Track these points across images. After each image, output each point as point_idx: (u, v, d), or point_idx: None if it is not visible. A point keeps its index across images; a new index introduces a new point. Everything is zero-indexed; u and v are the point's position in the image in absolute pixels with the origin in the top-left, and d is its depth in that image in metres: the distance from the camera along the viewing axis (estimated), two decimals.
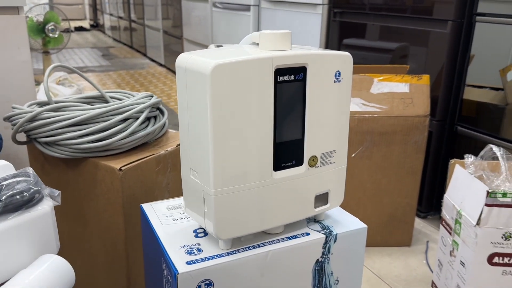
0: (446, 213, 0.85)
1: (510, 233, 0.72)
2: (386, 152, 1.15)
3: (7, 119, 0.83)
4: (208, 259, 0.56)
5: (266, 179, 0.57)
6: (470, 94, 1.28)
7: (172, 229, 0.63)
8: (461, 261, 0.79)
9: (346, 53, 0.60)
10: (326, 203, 0.64)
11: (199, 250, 0.58)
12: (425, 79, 1.18)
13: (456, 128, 1.32)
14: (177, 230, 0.63)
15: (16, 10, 1.19)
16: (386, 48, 1.49)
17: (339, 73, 0.59)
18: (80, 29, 6.84)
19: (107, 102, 0.93)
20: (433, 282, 0.94)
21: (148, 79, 3.47)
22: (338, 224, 0.65)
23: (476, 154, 0.85)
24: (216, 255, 0.57)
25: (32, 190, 0.47)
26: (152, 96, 0.91)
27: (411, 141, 1.14)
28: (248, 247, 0.59)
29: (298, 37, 1.92)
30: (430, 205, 1.40)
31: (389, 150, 1.15)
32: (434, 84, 1.32)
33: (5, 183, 0.47)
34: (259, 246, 0.59)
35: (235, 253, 0.57)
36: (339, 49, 1.70)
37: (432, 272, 1.01)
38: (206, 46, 2.86)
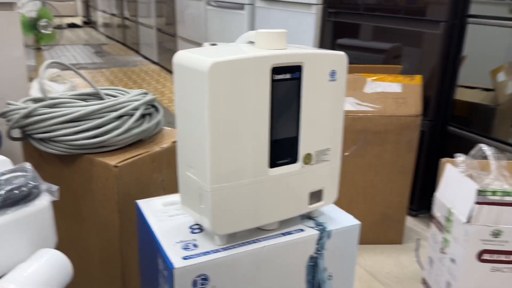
0: (437, 211, 0.87)
1: (499, 230, 0.74)
2: (379, 151, 1.17)
3: (2, 115, 0.83)
4: (204, 254, 0.57)
5: (262, 176, 0.58)
6: (462, 94, 1.30)
7: (168, 225, 0.64)
8: (451, 258, 0.80)
9: (341, 53, 0.61)
10: (320, 200, 0.65)
11: (195, 245, 0.59)
12: (418, 79, 1.19)
13: (447, 128, 1.34)
14: (173, 226, 0.63)
15: (9, 6, 1.18)
16: (379, 48, 1.50)
17: (334, 72, 0.60)
18: (72, 25, 6.80)
19: (101, 99, 0.94)
20: (423, 279, 0.96)
21: (141, 76, 3.47)
22: (332, 221, 0.66)
23: (467, 153, 0.87)
24: (212, 251, 0.58)
25: (30, 185, 0.48)
26: (147, 94, 0.91)
27: (404, 141, 1.16)
28: (243, 243, 0.59)
29: (292, 36, 1.93)
30: (422, 203, 1.41)
31: (381, 149, 1.17)
32: (426, 84, 1.34)
33: (3, 178, 0.48)
34: (254, 242, 0.60)
35: (231, 248, 0.58)
36: (333, 49, 1.71)
37: (422, 269, 1.02)
38: (200, 44, 2.86)
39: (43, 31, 2.70)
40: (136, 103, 0.85)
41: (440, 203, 0.84)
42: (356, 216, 1.25)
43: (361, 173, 1.19)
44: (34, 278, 0.44)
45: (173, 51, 3.49)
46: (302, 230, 0.63)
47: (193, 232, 0.62)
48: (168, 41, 3.60)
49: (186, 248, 0.58)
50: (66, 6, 7.52)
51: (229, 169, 0.55)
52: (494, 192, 0.72)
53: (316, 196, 0.64)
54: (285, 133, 0.58)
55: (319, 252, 0.64)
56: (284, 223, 0.64)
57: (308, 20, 1.80)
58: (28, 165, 0.51)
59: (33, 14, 2.68)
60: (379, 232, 1.25)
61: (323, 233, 0.63)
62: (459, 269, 0.77)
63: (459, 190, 0.78)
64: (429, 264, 0.92)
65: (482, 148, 0.80)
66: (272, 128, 0.57)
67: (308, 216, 0.67)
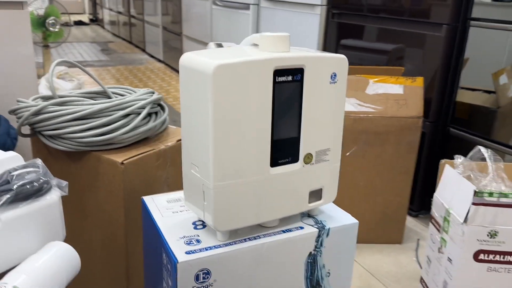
0: (435, 211, 0.88)
1: (495, 231, 0.75)
2: (380, 152, 1.18)
3: (12, 112, 0.85)
4: (207, 250, 0.59)
5: (263, 175, 0.59)
6: (463, 96, 1.31)
7: (172, 221, 0.66)
8: (448, 257, 0.82)
9: (342, 56, 0.62)
10: (320, 199, 0.67)
11: (198, 241, 0.61)
12: (419, 81, 1.21)
13: (448, 130, 1.35)
14: (176, 222, 0.65)
15: (20, 5, 1.21)
16: (382, 49, 1.52)
17: (335, 75, 0.62)
18: (79, 23, 6.84)
19: (109, 97, 0.96)
20: (421, 278, 0.97)
21: (147, 74, 3.49)
22: (331, 219, 0.68)
23: (467, 155, 0.88)
24: (214, 246, 0.60)
25: (41, 180, 0.50)
26: (153, 93, 0.93)
27: (404, 142, 1.18)
28: (245, 239, 0.61)
29: (296, 37, 1.95)
30: (422, 204, 1.43)
31: (382, 149, 1.18)
32: (428, 86, 1.35)
33: (15, 173, 0.50)
34: (255, 239, 0.62)
35: (232, 244, 0.60)
36: (336, 50, 1.73)
37: (421, 268, 1.04)
38: (205, 43, 2.88)
39: (51, 28, 2.73)
40: (142, 102, 0.87)
41: (439, 203, 0.86)
42: (356, 215, 1.27)
43: (361, 173, 1.20)
44: (44, 269, 0.46)
45: (178, 49, 3.51)
46: (301, 227, 0.65)
47: (196, 228, 0.64)
48: (174, 39, 3.62)
49: (189, 243, 0.60)
50: (73, 4, 7.57)
51: (231, 168, 0.57)
52: (491, 194, 0.73)
53: (316, 195, 0.66)
54: (287, 133, 0.60)
55: (317, 250, 0.65)
56: (284, 220, 0.66)
57: (312, 21, 1.82)
58: (39, 161, 0.53)
59: (41, 12, 2.72)
60: (379, 231, 1.27)
61: (322, 231, 0.65)
62: (456, 268, 0.79)
63: (457, 191, 0.80)
64: (427, 263, 0.93)
65: (480, 150, 0.81)
66: (273, 129, 0.59)
67: (308, 214, 0.69)
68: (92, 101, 0.86)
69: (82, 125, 0.81)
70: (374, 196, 1.23)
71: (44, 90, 1.77)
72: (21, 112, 0.83)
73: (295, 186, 0.63)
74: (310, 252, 0.65)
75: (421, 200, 1.42)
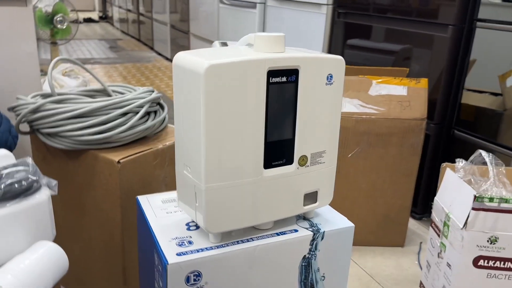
0: (435, 216, 0.87)
1: (495, 237, 0.74)
2: (382, 154, 1.17)
3: (11, 109, 0.86)
4: (198, 252, 0.58)
5: (257, 177, 0.59)
6: (469, 98, 1.29)
7: (165, 221, 0.65)
8: (447, 262, 0.80)
9: (339, 57, 0.61)
10: (315, 202, 0.66)
11: (190, 242, 0.60)
12: (423, 82, 1.19)
13: (453, 132, 1.33)
14: (170, 223, 0.65)
15: (24, 2, 1.21)
16: (388, 50, 1.50)
17: (331, 76, 0.61)
18: (89, 20, 6.88)
19: (109, 95, 0.96)
20: (421, 282, 0.96)
21: (154, 72, 3.50)
22: (326, 222, 0.67)
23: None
24: (206, 248, 0.59)
25: (30, 179, 0.50)
26: (153, 91, 0.93)
27: (407, 144, 1.16)
28: (237, 241, 0.61)
29: (302, 36, 1.94)
30: (426, 207, 1.41)
31: (385, 151, 1.17)
32: (433, 87, 1.33)
33: (5, 171, 0.50)
34: (248, 241, 0.61)
35: (224, 246, 0.60)
36: (342, 49, 1.72)
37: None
38: (212, 42, 2.87)
39: (59, 25, 2.75)
40: (141, 101, 0.86)
41: (439, 207, 0.85)
42: (358, 217, 1.25)
43: (364, 175, 1.19)
44: (31, 269, 0.46)
45: (186, 47, 3.51)
46: (296, 230, 0.64)
47: (189, 229, 0.63)
48: (181, 37, 3.63)
49: (181, 244, 0.60)
50: (83, 1, 7.61)
51: (223, 169, 0.56)
52: (491, 199, 0.72)
53: (311, 197, 0.65)
54: (281, 135, 0.59)
55: (312, 253, 0.65)
56: (279, 223, 0.65)
57: (318, 20, 1.80)
58: (29, 160, 0.53)
59: (50, 9, 2.73)
60: (381, 234, 1.25)
61: (317, 234, 0.64)
62: (455, 274, 0.78)
63: (457, 195, 0.78)
64: (426, 268, 0.92)
65: (481, 154, 0.80)
66: (267, 130, 0.58)
67: (303, 217, 0.68)
68: (91, 99, 0.86)
69: (79, 123, 0.81)
70: (376, 198, 1.21)
71: (48, 87, 1.78)
72: (19, 109, 0.83)
73: (290, 188, 0.62)
74: (305, 256, 0.64)
75: (424, 203, 1.41)
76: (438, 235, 0.84)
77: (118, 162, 0.79)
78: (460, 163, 0.84)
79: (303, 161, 0.62)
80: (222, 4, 2.74)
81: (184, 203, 0.62)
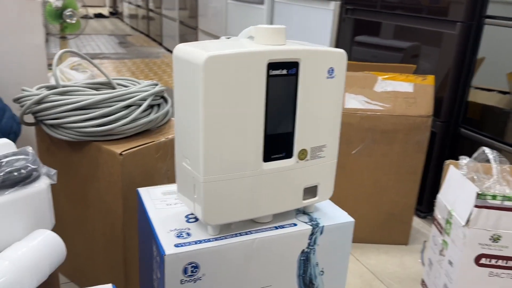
0: (438, 213, 0.86)
1: (498, 235, 0.73)
2: (387, 151, 1.16)
3: (16, 100, 0.86)
4: (196, 243, 0.58)
5: (256, 169, 0.59)
6: (476, 96, 1.27)
7: (164, 213, 0.65)
8: (449, 260, 0.80)
9: (340, 50, 0.61)
10: (315, 196, 0.66)
11: (188, 234, 0.60)
12: (430, 79, 1.18)
13: (459, 130, 1.32)
14: (169, 215, 0.65)
15: None
16: (396, 46, 1.49)
17: (332, 70, 0.60)
18: (99, 16, 6.92)
19: (113, 88, 0.96)
20: (422, 280, 0.95)
21: (163, 68, 3.51)
22: (326, 216, 0.66)
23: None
24: (204, 240, 0.59)
25: (29, 168, 0.50)
26: (156, 85, 0.93)
27: (412, 141, 1.15)
28: (236, 234, 0.61)
29: (310, 33, 1.93)
30: (431, 206, 1.40)
31: (389, 148, 1.16)
32: (440, 84, 1.32)
33: (4, 160, 0.50)
34: (246, 234, 0.61)
35: (222, 239, 0.60)
36: (350, 46, 1.71)
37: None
38: (219, 38, 2.87)
39: (68, 20, 2.77)
40: (144, 94, 0.87)
41: (441, 204, 0.84)
42: (361, 215, 1.25)
43: (368, 172, 1.18)
44: (28, 256, 0.46)
45: None
46: (295, 224, 0.64)
47: (188, 221, 0.64)
48: (190, 33, 3.63)
49: (179, 236, 0.60)
50: None
51: (222, 161, 0.56)
52: (494, 196, 0.71)
53: (310, 191, 0.65)
54: (281, 128, 0.59)
55: (311, 247, 0.64)
56: (279, 216, 0.65)
57: (326, 16, 1.79)
58: (29, 149, 0.53)
59: (59, 4, 2.75)
60: (384, 232, 1.24)
61: (316, 229, 0.64)
62: (456, 272, 0.77)
63: (460, 192, 0.77)
64: (428, 265, 0.91)
65: (485, 151, 0.79)
66: (267, 123, 0.58)
67: (303, 211, 0.68)
68: (95, 92, 0.86)
69: (82, 115, 0.81)
70: (380, 195, 1.21)
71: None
72: (24, 100, 0.84)
73: (289, 182, 0.62)
74: (303, 250, 0.64)
75: (430, 201, 1.39)
76: (440, 233, 0.84)
77: (121, 154, 0.80)
78: (464, 160, 0.83)
79: (303, 154, 0.62)
80: (230, 0, 2.74)
81: (183, 194, 0.62)
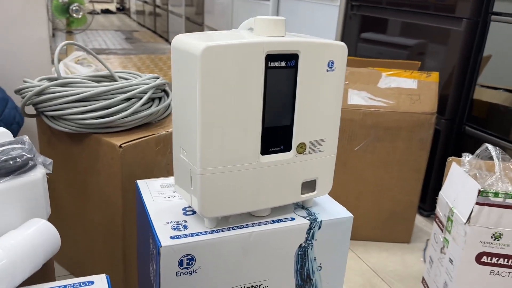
0: (439, 210, 0.85)
1: (500, 233, 0.72)
2: (390, 148, 1.15)
3: (18, 91, 0.86)
4: (192, 236, 0.58)
5: (253, 162, 0.58)
6: (482, 94, 1.26)
7: (162, 205, 0.65)
8: (450, 258, 0.79)
9: (341, 43, 0.60)
10: (313, 191, 0.65)
11: (185, 226, 0.60)
12: (434, 76, 1.16)
13: (464, 128, 1.31)
14: (166, 207, 0.65)
15: None
16: (401, 43, 1.47)
17: (332, 63, 0.60)
18: (106, 11, 6.94)
19: (115, 81, 0.96)
20: (423, 278, 0.94)
21: (168, 64, 3.51)
22: (324, 211, 0.66)
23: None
24: (200, 232, 0.59)
25: (25, 157, 0.50)
26: (158, 78, 0.93)
27: (416, 138, 1.14)
28: (233, 227, 0.60)
29: (315, 29, 1.92)
30: (434, 204, 1.39)
31: (393, 145, 1.15)
32: (445, 82, 1.31)
33: (0, 149, 0.50)
34: (243, 227, 0.61)
35: (219, 231, 0.59)
36: (356, 43, 1.69)
37: None
38: None
39: (74, 15, 2.77)
40: (145, 87, 0.86)
41: (443, 202, 0.83)
42: (363, 212, 1.24)
43: (370, 169, 1.18)
44: (21, 245, 0.46)
45: None
46: (293, 218, 0.64)
47: (185, 214, 0.63)
48: (196, 30, 3.63)
49: (175, 228, 0.59)
50: None
51: (219, 153, 0.55)
52: (496, 194, 0.70)
53: (309, 186, 0.64)
54: (279, 121, 0.59)
55: (308, 242, 0.64)
56: (277, 210, 0.65)
57: (331, 13, 1.78)
58: (26, 138, 0.53)
59: None
60: (386, 229, 1.24)
61: (314, 223, 0.63)
62: (457, 270, 0.76)
63: (462, 189, 0.76)
64: (429, 263, 0.90)
65: (488, 148, 0.78)
66: (265, 115, 0.57)
67: (302, 206, 0.67)
68: (96, 84, 0.86)
69: (83, 107, 0.81)
70: (383, 193, 1.20)
71: (62, 74, 1.79)
72: (25, 92, 0.84)
73: (287, 176, 0.61)
74: (301, 244, 0.63)
75: (433, 200, 1.38)
76: (442, 230, 0.83)
77: (120, 146, 0.80)
78: (467, 157, 0.82)
79: (301, 148, 0.61)
80: None
81: (180, 186, 0.62)
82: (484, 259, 0.75)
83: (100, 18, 6.22)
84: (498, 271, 0.75)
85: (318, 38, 0.60)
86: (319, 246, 0.65)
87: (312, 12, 1.94)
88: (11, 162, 0.49)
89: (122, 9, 7.30)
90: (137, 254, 0.75)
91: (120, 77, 0.98)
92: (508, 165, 0.77)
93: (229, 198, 0.58)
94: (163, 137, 0.87)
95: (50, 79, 0.90)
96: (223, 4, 2.99)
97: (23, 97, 0.85)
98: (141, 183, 0.72)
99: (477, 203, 0.71)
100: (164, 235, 0.57)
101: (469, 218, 0.73)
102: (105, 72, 0.97)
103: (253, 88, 0.55)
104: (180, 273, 0.57)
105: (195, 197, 0.58)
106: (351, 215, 0.66)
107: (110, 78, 0.97)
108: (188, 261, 0.57)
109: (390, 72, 1.16)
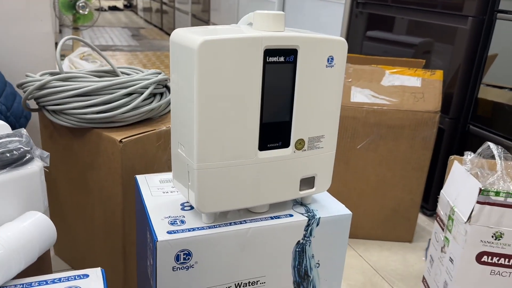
0: (441, 209, 0.84)
1: (500, 232, 0.71)
2: (393, 146, 1.15)
3: (20, 86, 0.87)
4: (189, 231, 0.58)
5: (251, 158, 0.58)
6: (487, 93, 1.25)
7: (160, 200, 0.65)
8: (450, 257, 0.78)
9: (340, 38, 0.60)
10: (312, 187, 0.65)
11: (182, 221, 0.60)
12: (438, 74, 1.16)
13: (468, 127, 1.29)
14: (164, 202, 0.65)
15: None
16: (407, 42, 1.46)
17: (332, 58, 0.59)
18: (113, 8, 6.96)
19: (117, 76, 0.96)
20: (424, 277, 0.94)
21: None
22: (323, 208, 0.65)
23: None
24: (197, 228, 0.59)
25: (22, 149, 0.50)
26: (160, 73, 0.93)
27: (419, 137, 1.13)
28: (230, 223, 0.60)
29: (321, 27, 1.91)
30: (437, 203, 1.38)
31: (395, 144, 1.14)
32: (450, 80, 1.30)
33: None
34: (241, 223, 0.60)
35: (216, 227, 0.59)
36: (361, 41, 1.68)
37: None
38: None
39: (81, 11, 2.78)
40: (146, 82, 0.86)
41: (444, 200, 0.82)
42: (365, 210, 1.23)
43: (373, 167, 1.17)
44: (17, 237, 0.46)
45: None
46: (291, 215, 0.63)
47: (183, 209, 0.63)
48: None
49: (173, 223, 0.59)
50: None
51: (216, 149, 0.55)
52: (497, 193, 0.69)
53: (307, 182, 0.64)
54: (277, 116, 0.58)
55: (306, 239, 0.63)
56: (275, 207, 0.64)
57: (337, 11, 1.77)
58: (24, 131, 0.53)
59: None
60: (388, 228, 1.23)
61: (312, 220, 0.63)
62: (457, 269, 0.75)
63: (463, 188, 0.75)
64: (429, 262, 0.90)
65: (490, 147, 0.77)
66: (263, 111, 0.57)
67: (300, 202, 0.67)
68: (97, 79, 0.86)
69: (83, 102, 0.81)
70: (385, 191, 1.19)
71: (66, 69, 1.80)
72: (27, 86, 0.85)
73: (285, 172, 0.61)
74: (299, 241, 0.63)
75: (436, 199, 1.37)
76: (442, 229, 0.82)
77: (120, 141, 0.80)
78: (468, 156, 0.81)
79: (300, 144, 0.61)
80: None
81: (178, 181, 0.62)
82: (484, 258, 0.74)
83: (107, 15, 6.25)
84: (498, 271, 0.74)
85: (317, 33, 0.60)
86: (317, 243, 0.64)
87: (318, 10, 1.93)
88: (8, 155, 0.49)
89: (129, 6, 7.31)
90: (136, 249, 0.76)
91: (122, 73, 0.98)
92: (510, 164, 0.76)
93: (226, 193, 0.58)
94: (164, 132, 0.87)
95: (52, 74, 0.90)
96: (229, 2, 2.99)
97: (24, 91, 0.85)
98: (140, 178, 0.72)
99: (478, 202, 0.71)
100: (161, 230, 0.57)
101: (469, 217, 0.72)
102: (107, 67, 0.97)
103: (251, 83, 0.55)
104: (177, 268, 0.57)
105: (193, 192, 0.58)
106: (349, 212, 0.66)
107: (112, 73, 0.97)
108: (184, 256, 0.57)
109: (394, 70, 1.16)
